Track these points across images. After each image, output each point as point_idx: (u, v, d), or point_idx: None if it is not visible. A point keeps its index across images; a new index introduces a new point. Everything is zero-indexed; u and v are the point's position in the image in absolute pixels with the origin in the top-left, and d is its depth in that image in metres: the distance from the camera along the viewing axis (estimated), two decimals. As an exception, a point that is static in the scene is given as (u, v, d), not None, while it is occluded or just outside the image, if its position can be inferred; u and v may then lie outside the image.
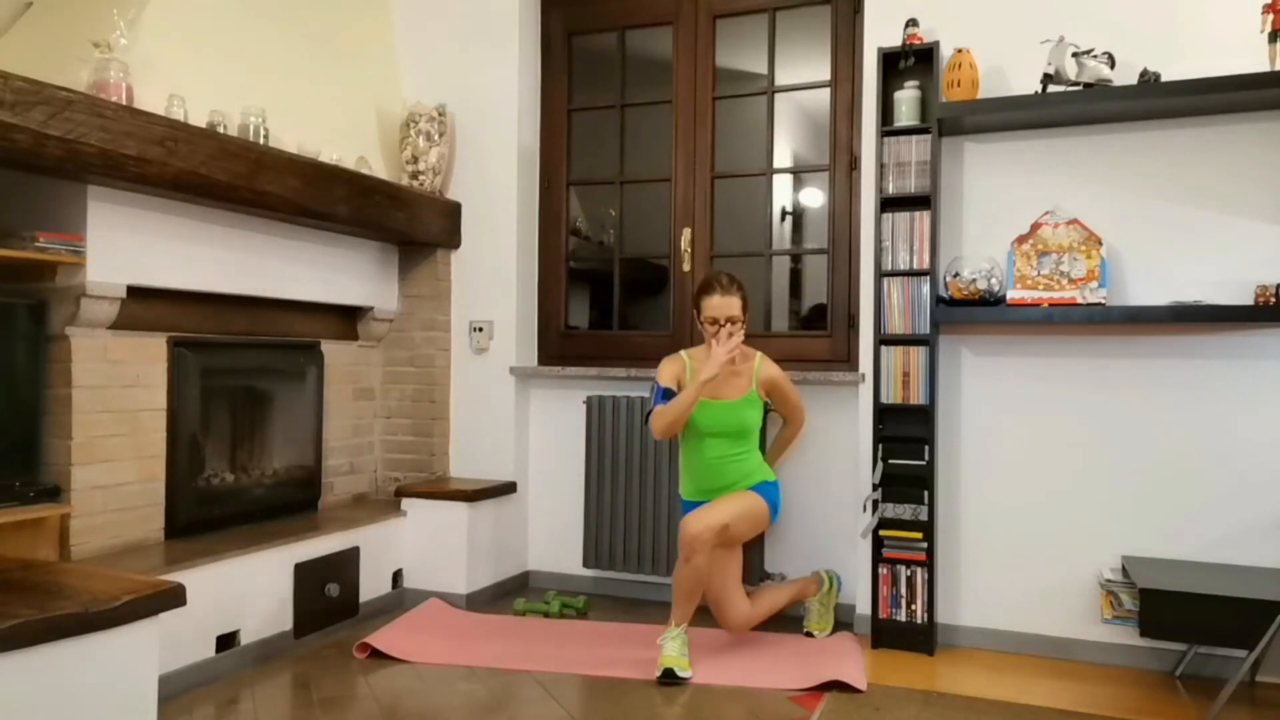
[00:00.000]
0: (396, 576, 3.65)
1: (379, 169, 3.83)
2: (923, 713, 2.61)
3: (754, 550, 3.46)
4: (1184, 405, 3.00)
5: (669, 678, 2.79)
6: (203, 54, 3.16)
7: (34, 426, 2.68)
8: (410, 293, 4.01)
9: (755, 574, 3.47)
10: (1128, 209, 3.06)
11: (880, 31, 3.34)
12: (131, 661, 2.03)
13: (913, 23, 3.18)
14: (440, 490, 3.68)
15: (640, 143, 4.00)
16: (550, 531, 3.98)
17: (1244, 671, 2.58)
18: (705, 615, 3.46)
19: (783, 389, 3.21)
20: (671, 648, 2.86)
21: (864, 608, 3.28)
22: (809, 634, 3.27)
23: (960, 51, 3.10)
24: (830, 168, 3.61)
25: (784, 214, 4.01)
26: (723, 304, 3.07)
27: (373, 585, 3.50)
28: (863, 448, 3.32)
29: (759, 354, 3.19)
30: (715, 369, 2.95)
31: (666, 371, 3.12)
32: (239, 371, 3.35)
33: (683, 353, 3.20)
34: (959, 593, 3.25)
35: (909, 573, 3.14)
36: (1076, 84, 2.94)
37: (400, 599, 3.66)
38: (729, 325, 3.07)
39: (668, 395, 3.04)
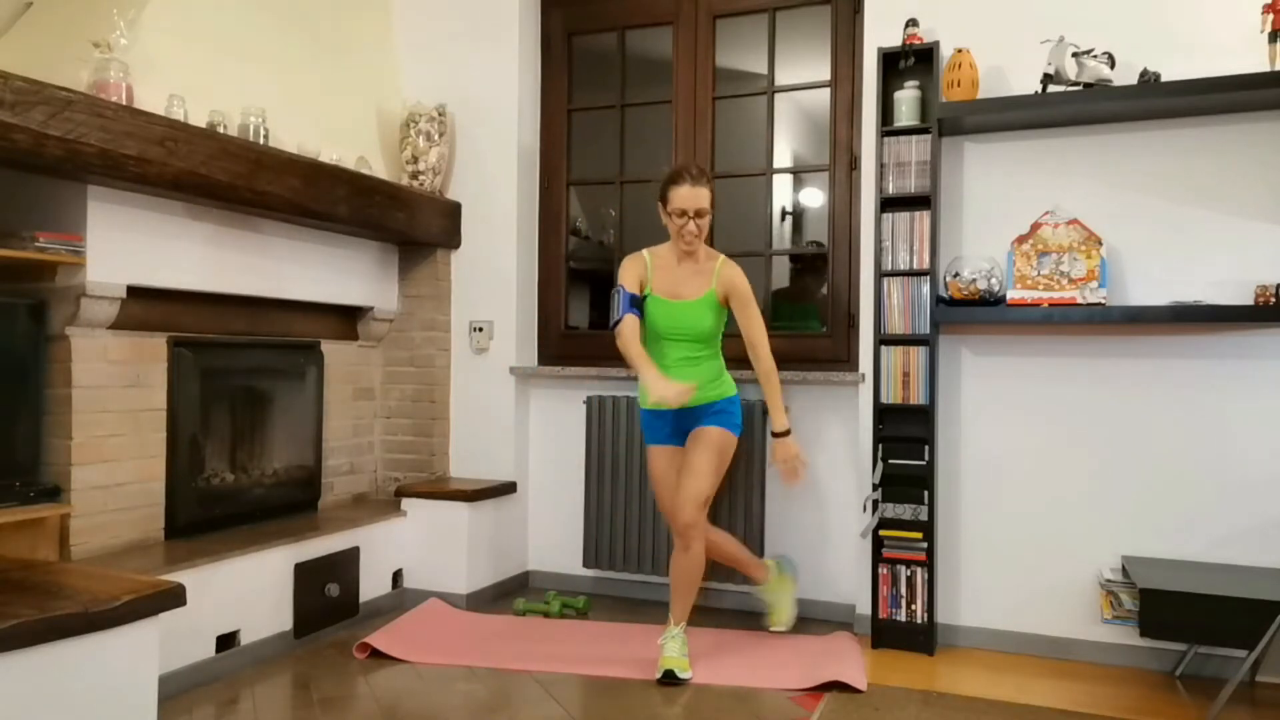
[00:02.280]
0: (396, 576, 3.65)
1: (379, 169, 3.83)
2: (923, 713, 2.61)
3: (755, 543, 3.46)
4: (1184, 405, 3.00)
5: (669, 679, 2.79)
6: (202, 54, 3.16)
7: (34, 426, 2.68)
8: (410, 293, 4.01)
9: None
10: (1128, 209, 3.06)
11: (880, 31, 3.34)
12: (131, 661, 2.02)
13: (913, 23, 3.18)
14: (440, 490, 3.68)
15: (640, 143, 4.00)
16: (550, 531, 3.98)
17: (1244, 671, 2.58)
18: (705, 615, 3.47)
19: (743, 296, 3.01)
20: (672, 648, 2.86)
21: (864, 608, 3.28)
22: (773, 631, 3.29)
23: (960, 51, 3.10)
24: (830, 168, 3.61)
25: (784, 214, 4.00)
26: (692, 195, 2.91)
27: (373, 585, 3.50)
28: (863, 448, 3.32)
29: (722, 255, 3.06)
30: (665, 394, 2.76)
31: (629, 273, 3.01)
32: (239, 371, 3.34)
33: (644, 251, 3.09)
34: (959, 593, 3.25)
35: (909, 573, 3.14)
36: (1076, 84, 2.94)
37: (400, 599, 3.66)
38: (697, 219, 2.94)
39: (635, 303, 2.96)
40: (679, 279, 3.01)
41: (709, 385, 3.01)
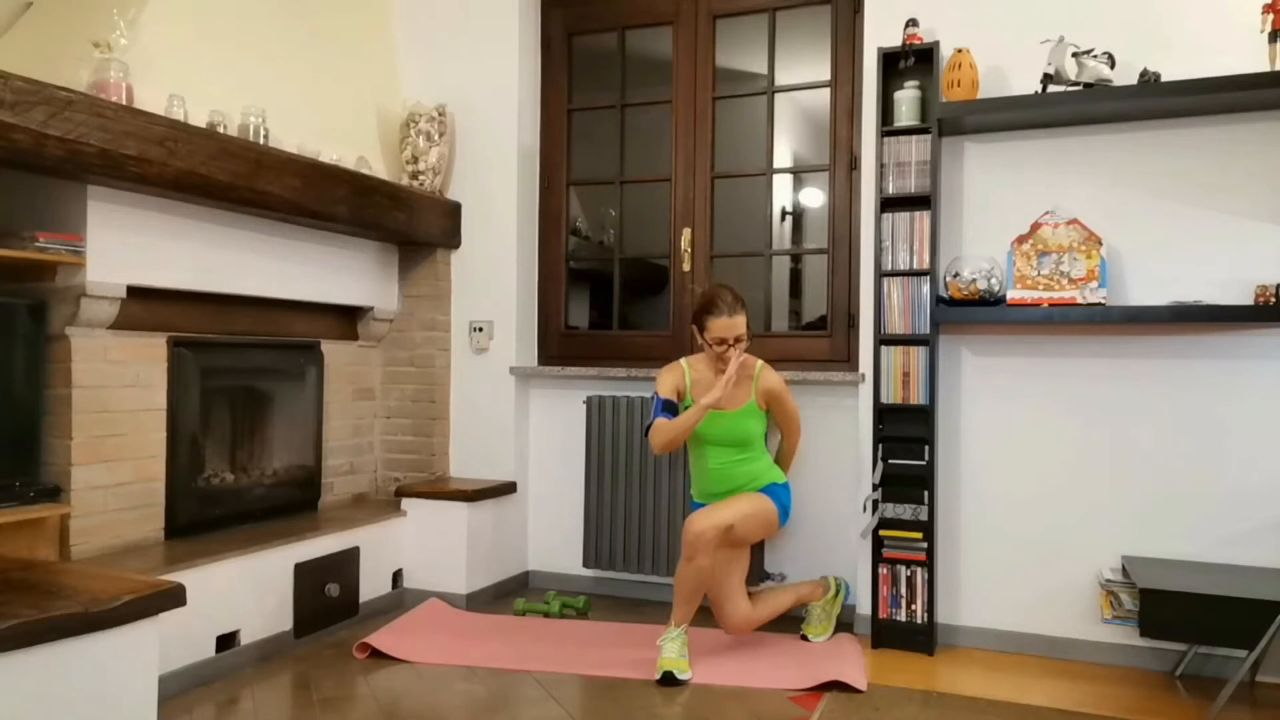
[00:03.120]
0: (396, 576, 3.65)
1: (379, 169, 3.83)
2: (923, 713, 2.61)
3: (754, 550, 3.46)
4: (1184, 405, 3.00)
5: (668, 680, 2.79)
6: (203, 54, 3.16)
7: (34, 426, 2.68)
8: (410, 293, 4.01)
9: (755, 574, 3.47)
10: (1128, 209, 3.06)
11: (880, 31, 3.34)
12: (131, 661, 2.02)
13: (913, 23, 3.18)
14: (440, 490, 3.68)
15: (640, 143, 4.00)
16: (550, 531, 3.98)
17: (1244, 671, 2.58)
18: (705, 615, 3.46)
19: (781, 399, 3.15)
20: (671, 649, 2.86)
21: (864, 608, 3.28)
22: (804, 638, 3.24)
23: (960, 51, 3.10)
24: (830, 168, 3.60)
25: (784, 214, 4.00)
26: (730, 325, 3.00)
27: (373, 585, 3.50)
28: (863, 448, 3.32)
29: (760, 362, 3.15)
30: (720, 393, 2.92)
31: (666, 382, 3.09)
32: (239, 371, 3.34)
33: (682, 361, 3.18)
34: (959, 593, 3.25)
35: (909, 573, 3.14)
36: (1076, 84, 2.94)
37: (400, 599, 3.66)
38: (736, 344, 3.02)
39: (668, 407, 3.02)
40: (722, 394, 2.98)
41: (757, 479, 3.09)
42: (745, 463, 3.11)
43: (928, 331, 3.12)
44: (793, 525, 3.56)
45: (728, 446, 3.10)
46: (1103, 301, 2.94)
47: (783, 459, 3.27)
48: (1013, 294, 3.05)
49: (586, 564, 3.76)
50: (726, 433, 3.08)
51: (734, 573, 3.06)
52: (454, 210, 3.99)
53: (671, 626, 2.91)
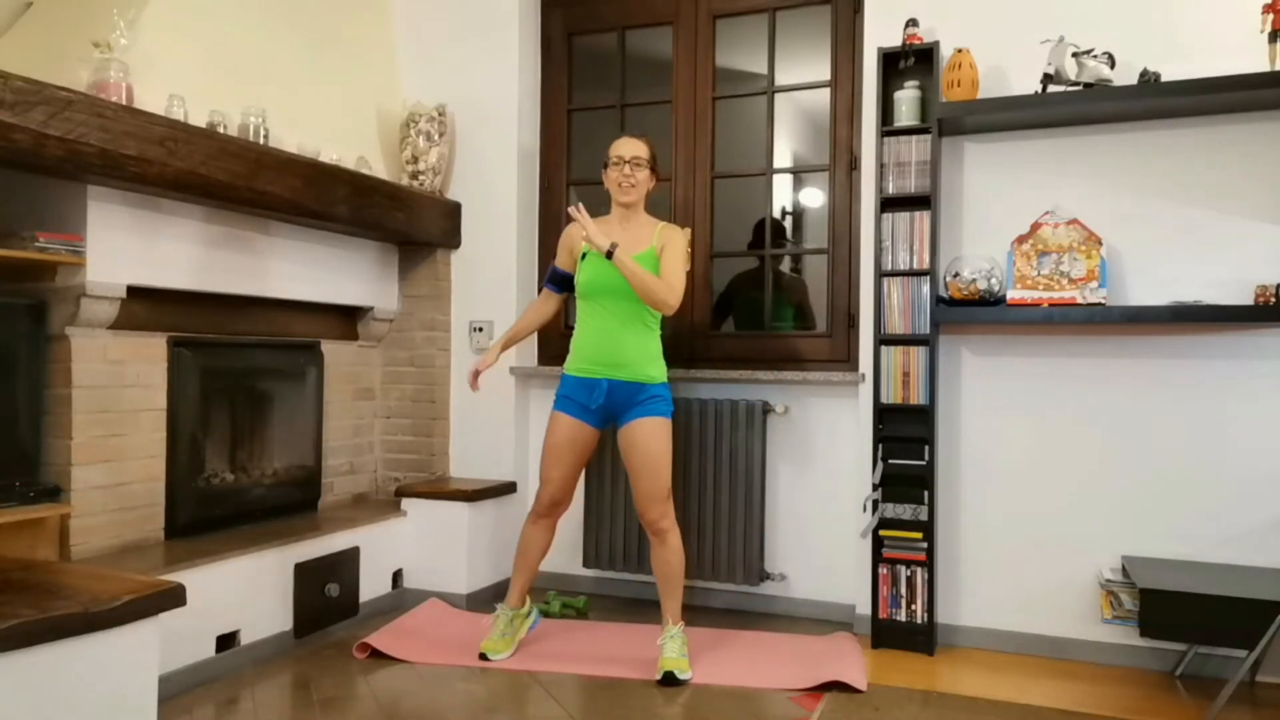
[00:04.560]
0: (396, 576, 3.65)
1: (379, 169, 3.83)
2: (923, 713, 2.61)
3: (754, 550, 3.46)
4: (1184, 405, 3.00)
5: (669, 680, 2.79)
6: (203, 54, 3.16)
7: (34, 426, 2.68)
8: (410, 293, 4.01)
9: (755, 574, 3.47)
10: (1128, 209, 3.06)
11: (880, 31, 3.34)
12: (131, 661, 2.02)
13: (913, 23, 3.18)
14: (440, 490, 3.68)
15: (640, 143, 3.99)
16: (550, 531, 3.98)
17: (1244, 671, 2.58)
18: (704, 614, 3.47)
19: (675, 243, 2.95)
20: (671, 648, 2.85)
21: (864, 608, 3.28)
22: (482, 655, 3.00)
23: (960, 51, 3.10)
24: (830, 168, 3.61)
25: (784, 214, 4.00)
26: (628, 144, 2.96)
27: (373, 585, 3.50)
28: (863, 448, 3.32)
29: (664, 222, 3.04)
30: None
31: (564, 246, 3.09)
32: (239, 371, 3.34)
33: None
34: (959, 593, 3.25)
35: (909, 573, 3.14)
36: (1076, 84, 2.94)
37: (400, 599, 3.66)
38: (633, 166, 2.92)
39: (553, 277, 3.13)
40: (620, 239, 2.91)
41: (646, 361, 2.94)
42: (637, 333, 2.92)
43: (928, 331, 3.12)
44: (793, 525, 3.56)
45: (620, 299, 2.90)
46: (1103, 301, 2.94)
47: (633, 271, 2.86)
48: (1013, 294, 3.05)
49: (586, 564, 3.76)
50: (620, 279, 2.87)
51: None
52: (454, 210, 3.99)
53: (669, 624, 2.91)
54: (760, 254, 3.77)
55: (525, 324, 3.24)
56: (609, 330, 2.93)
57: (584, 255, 2.99)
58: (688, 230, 3.03)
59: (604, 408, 2.96)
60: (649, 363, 2.95)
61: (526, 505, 3.99)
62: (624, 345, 2.92)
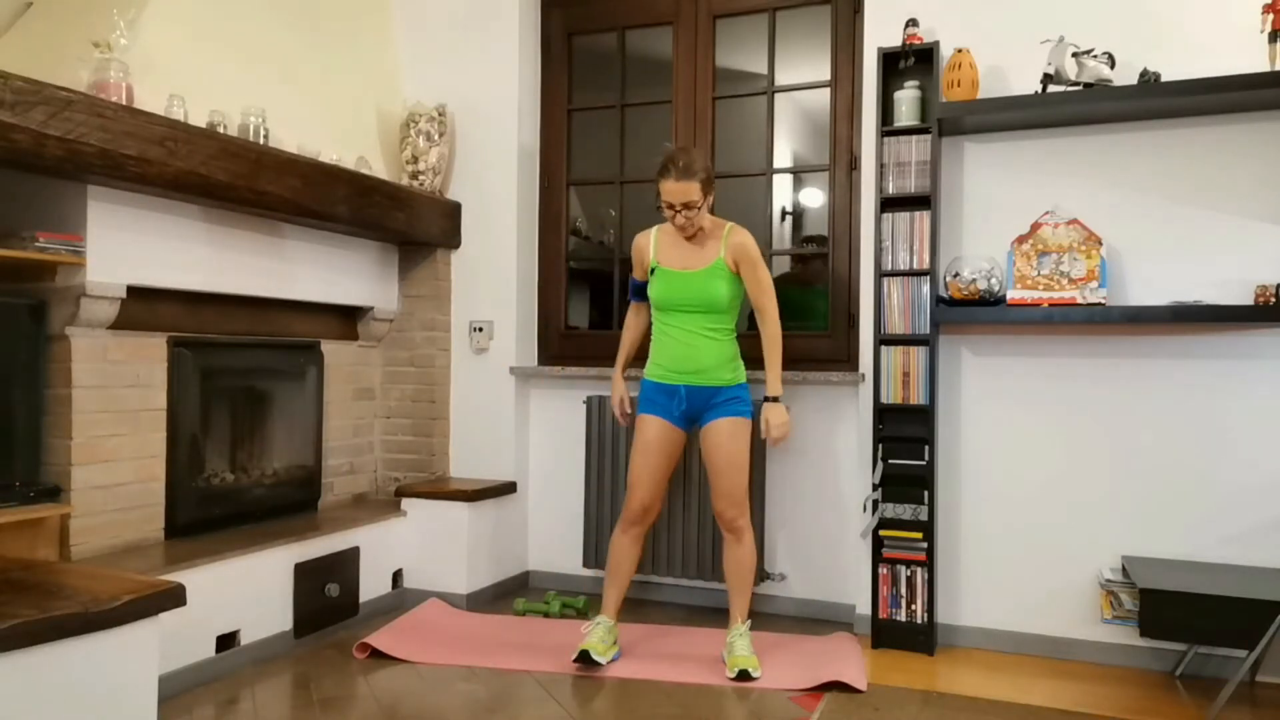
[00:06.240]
0: (396, 576, 3.65)
1: (379, 169, 3.83)
2: (923, 713, 2.61)
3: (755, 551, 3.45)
4: (1184, 405, 3.00)
5: (744, 677, 2.80)
6: (203, 54, 3.16)
7: (34, 426, 2.68)
8: (410, 293, 4.01)
9: (756, 575, 3.46)
10: (1128, 209, 3.06)
11: (880, 31, 3.34)
12: (131, 661, 2.02)
13: (913, 23, 3.18)
14: (440, 490, 3.68)
15: (640, 143, 4.00)
16: (550, 531, 3.98)
17: (1244, 671, 2.58)
18: (704, 614, 3.47)
19: (753, 262, 2.94)
20: (741, 646, 2.89)
21: (864, 608, 3.28)
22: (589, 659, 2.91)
23: (960, 51, 3.10)
24: (830, 168, 3.61)
25: (784, 214, 4.00)
26: (676, 190, 2.84)
27: (373, 585, 3.50)
28: (863, 448, 3.32)
29: (731, 223, 3.00)
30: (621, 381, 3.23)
31: (635, 260, 3.13)
32: (239, 371, 3.34)
33: (653, 229, 3.08)
34: (959, 593, 3.25)
35: (909, 573, 3.14)
36: (1076, 84, 2.94)
37: (400, 599, 3.66)
38: (685, 211, 2.88)
39: (636, 290, 3.19)
40: (687, 251, 2.98)
41: (723, 367, 2.97)
42: (714, 341, 2.96)
43: (928, 331, 3.12)
44: (793, 525, 3.56)
45: (694, 313, 2.94)
46: (1103, 301, 2.94)
47: (768, 359, 3.00)
48: (1013, 294, 3.05)
49: (586, 564, 3.76)
50: (692, 294, 2.91)
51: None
52: (454, 210, 3.99)
53: (736, 622, 2.95)
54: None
55: (630, 341, 3.30)
56: (685, 341, 2.98)
57: (653, 270, 3.03)
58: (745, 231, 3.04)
59: (685, 412, 3.02)
60: (724, 367, 2.98)
61: (526, 505, 4.01)
62: (700, 354, 2.96)
